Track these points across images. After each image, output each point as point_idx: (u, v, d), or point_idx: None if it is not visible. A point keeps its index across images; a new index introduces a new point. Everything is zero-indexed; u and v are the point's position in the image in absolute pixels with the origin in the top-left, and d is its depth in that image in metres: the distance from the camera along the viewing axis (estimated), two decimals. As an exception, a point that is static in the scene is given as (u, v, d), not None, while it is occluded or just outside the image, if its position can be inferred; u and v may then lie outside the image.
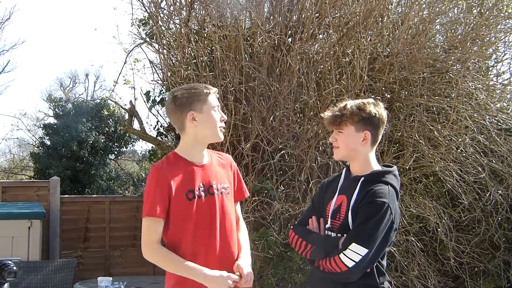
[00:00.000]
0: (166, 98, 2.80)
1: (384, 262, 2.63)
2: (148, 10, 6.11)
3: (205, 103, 2.67)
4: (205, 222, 2.64)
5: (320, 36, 6.16)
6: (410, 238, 5.68)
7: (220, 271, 2.59)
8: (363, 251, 2.43)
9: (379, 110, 2.69)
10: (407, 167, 5.58)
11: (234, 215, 2.79)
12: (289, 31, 5.92)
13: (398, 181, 2.70)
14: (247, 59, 5.58)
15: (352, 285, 2.54)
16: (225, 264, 2.66)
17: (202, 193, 2.65)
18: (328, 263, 2.53)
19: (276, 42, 5.70)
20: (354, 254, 2.44)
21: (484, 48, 6.59)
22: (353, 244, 2.45)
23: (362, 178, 2.61)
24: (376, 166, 2.71)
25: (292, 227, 2.89)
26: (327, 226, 2.67)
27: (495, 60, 7.03)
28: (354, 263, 2.44)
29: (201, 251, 2.63)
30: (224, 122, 2.77)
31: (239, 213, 2.91)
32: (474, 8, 6.62)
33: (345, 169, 2.80)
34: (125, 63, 6.29)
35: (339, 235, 2.59)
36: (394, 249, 5.55)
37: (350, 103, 2.69)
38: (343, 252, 2.46)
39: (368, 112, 2.64)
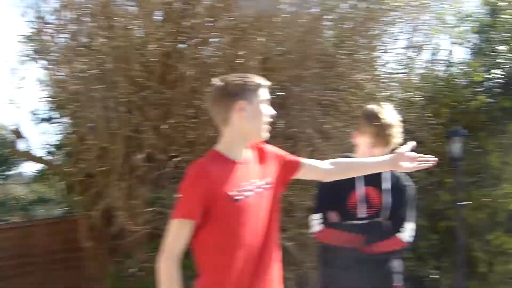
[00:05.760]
0: (214, 86, 2.37)
1: None
2: (35, 26, 5.99)
3: (257, 94, 2.37)
4: (252, 222, 2.32)
5: (213, 40, 6.27)
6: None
7: None
8: (415, 226, 2.90)
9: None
10: (302, 161, 5.79)
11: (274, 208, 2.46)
12: (181, 38, 5.98)
13: None
14: (138, 69, 5.60)
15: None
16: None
17: (249, 193, 2.33)
18: (385, 244, 2.86)
19: (168, 49, 5.75)
20: (411, 230, 2.88)
21: (370, 40, 6.92)
22: (410, 222, 2.88)
23: None
24: None
25: (321, 228, 2.91)
26: (359, 215, 2.87)
27: (381, 51, 7.39)
28: (411, 238, 2.88)
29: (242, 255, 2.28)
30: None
31: (317, 164, 2.56)
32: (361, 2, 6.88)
33: None
34: (10, 82, 6.08)
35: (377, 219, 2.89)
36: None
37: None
38: (402, 231, 2.87)
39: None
